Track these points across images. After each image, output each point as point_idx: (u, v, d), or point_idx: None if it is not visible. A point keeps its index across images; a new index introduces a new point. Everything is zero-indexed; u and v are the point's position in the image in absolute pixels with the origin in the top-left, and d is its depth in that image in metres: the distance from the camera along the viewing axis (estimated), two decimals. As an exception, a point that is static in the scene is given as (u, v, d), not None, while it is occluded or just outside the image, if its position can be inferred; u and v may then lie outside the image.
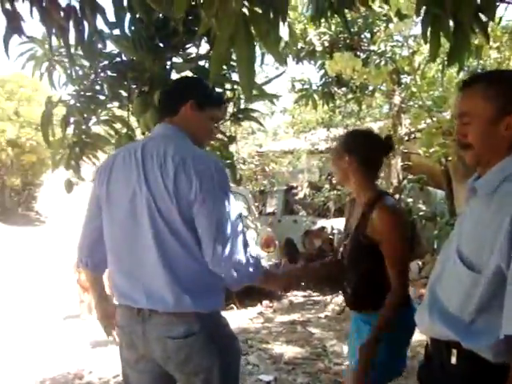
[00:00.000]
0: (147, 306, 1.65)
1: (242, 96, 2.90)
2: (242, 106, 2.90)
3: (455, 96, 1.57)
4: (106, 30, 2.47)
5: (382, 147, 2.04)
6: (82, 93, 2.77)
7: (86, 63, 2.94)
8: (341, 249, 2.11)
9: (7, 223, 17.61)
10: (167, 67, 2.41)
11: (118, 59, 2.67)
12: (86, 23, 1.85)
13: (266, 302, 6.50)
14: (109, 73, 2.71)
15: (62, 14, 1.69)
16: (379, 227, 1.86)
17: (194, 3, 1.94)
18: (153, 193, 1.63)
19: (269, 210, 9.44)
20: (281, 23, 1.59)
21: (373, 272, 1.92)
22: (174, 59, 2.51)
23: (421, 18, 1.98)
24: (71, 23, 1.79)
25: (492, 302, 1.26)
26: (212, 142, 2.90)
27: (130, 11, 2.13)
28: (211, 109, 1.80)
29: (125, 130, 2.79)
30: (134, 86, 2.43)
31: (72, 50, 2.44)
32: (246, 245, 1.64)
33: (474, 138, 1.37)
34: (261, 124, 3.19)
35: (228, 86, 2.78)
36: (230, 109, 2.87)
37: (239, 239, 1.62)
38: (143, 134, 2.53)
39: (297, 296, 6.99)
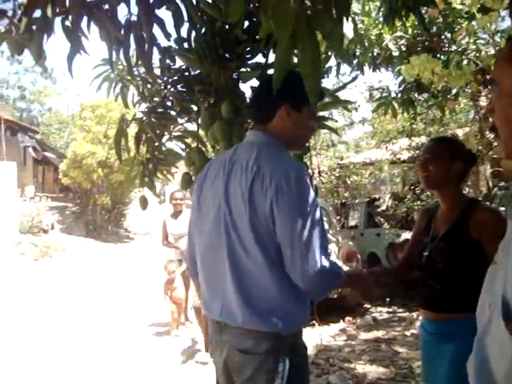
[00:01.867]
0: (221, 319, 1.64)
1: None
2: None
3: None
4: (174, 45, 2.51)
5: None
6: (154, 109, 2.80)
7: (158, 80, 2.98)
8: (425, 253, 2.04)
9: (99, 240, 18.55)
10: (234, 78, 2.36)
11: (187, 74, 2.69)
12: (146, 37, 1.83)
13: (348, 319, 6.27)
14: (178, 87, 2.72)
15: (121, 29, 1.69)
16: (482, 227, 1.87)
17: (253, 7, 1.87)
18: (230, 206, 1.59)
19: (351, 223, 9.19)
20: (344, 20, 1.48)
21: (471, 272, 1.83)
22: (242, 69, 2.46)
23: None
24: (131, 38, 1.78)
25: None
26: (287, 156, 2.82)
27: (190, 22, 2.11)
28: (307, 107, 1.67)
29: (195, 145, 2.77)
30: (202, 99, 2.40)
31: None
32: (326, 250, 1.55)
33: (496, 116, 0.94)
34: (335, 132, 3.06)
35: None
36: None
37: (321, 247, 1.51)
38: (213, 147, 2.49)
39: (381, 312, 6.69)
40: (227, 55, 2.31)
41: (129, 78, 3.02)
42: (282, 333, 1.57)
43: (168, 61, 2.68)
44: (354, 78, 5.87)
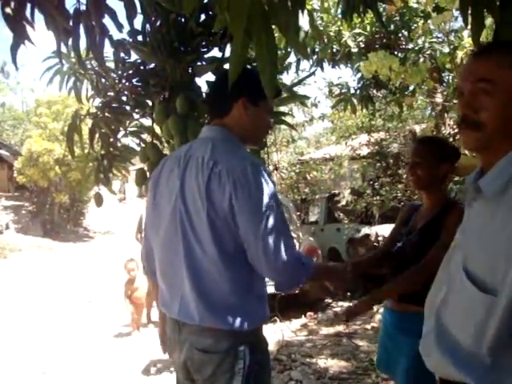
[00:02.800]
0: (179, 318, 1.61)
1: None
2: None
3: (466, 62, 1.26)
4: (127, 37, 2.44)
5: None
6: (108, 104, 2.72)
7: (112, 74, 2.90)
8: (398, 244, 2.09)
9: (57, 239, 18.08)
10: (190, 72, 2.32)
11: (142, 68, 2.62)
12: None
13: (309, 314, 6.31)
14: (133, 82, 2.65)
15: (69, 18, 1.62)
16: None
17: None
18: (186, 203, 1.56)
19: (311, 218, 9.25)
20: (300, 13, 1.47)
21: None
22: (198, 63, 2.42)
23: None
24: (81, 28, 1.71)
25: None
26: (242, 150, 2.79)
27: (143, 14, 2.05)
28: (265, 101, 1.63)
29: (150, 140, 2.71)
30: (157, 94, 2.34)
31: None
32: (292, 241, 1.54)
33: (491, 114, 1.08)
34: (293, 128, 3.05)
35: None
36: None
37: (286, 237, 1.50)
38: (167, 142, 2.44)
39: (342, 307, 6.75)
40: (182, 48, 2.26)
41: (81, 71, 2.93)
42: (241, 330, 1.54)
43: (122, 54, 2.62)
44: (312, 73, 5.90)
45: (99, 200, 2.97)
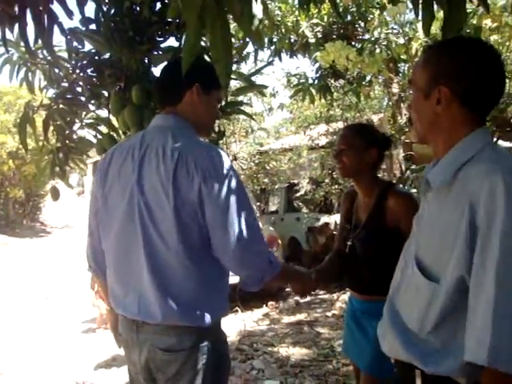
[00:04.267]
0: (139, 318, 1.54)
1: (229, 89, 2.78)
2: (229, 100, 2.78)
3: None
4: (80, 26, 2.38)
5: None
6: (62, 95, 2.65)
7: (66, 64, 2.83)
8: (348, 242, 2.08)
9: (12, 235, 17.55)
10: (145, 61, 2.28)
11: (96, 58, 2.56)
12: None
13: (271, 303, 6.36)
14: (88, 72, 2.59)
15: (13, 3, 1.55)
16: (397, 212, 1.91)
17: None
18: (146, 195, 1.49)
19: (271, 208, 9.30)
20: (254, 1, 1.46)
21: (392, 258, 1.87)
22: (154, 53, 2.38)
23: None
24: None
25: (453, 318, 1.06)
26: (200, 139, 2.77)
27: (95, 1, 2.00)
28: (216, 90, 1.64)
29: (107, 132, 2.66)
30: (112, 84, 2.29)
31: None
32: (261, 234, 1.54)
33: (412, 110, 1.22)
34: (251, 117, 3.05)
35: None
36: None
37: (256, 230, 1.49)
38: (124, 133, 2.40)
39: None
40: (137, 38, 2.21)
41: (33, 60, 2.84)
42: (205, 325, 1.52)
43: (75, 43, 2.55)
44: (270, 63, 5.91)
45: (55, 194, 2.90)
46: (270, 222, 7.90)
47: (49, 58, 2.89)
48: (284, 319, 5.79)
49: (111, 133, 2.45)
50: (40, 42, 2.05)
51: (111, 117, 2.53)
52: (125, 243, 1.56)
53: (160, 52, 2.31)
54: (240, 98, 2.53)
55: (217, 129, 3.03)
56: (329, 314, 5.81)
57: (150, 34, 2.16)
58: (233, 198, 1.44)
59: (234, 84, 3.27)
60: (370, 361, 1.96)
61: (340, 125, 9.02)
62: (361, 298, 2.08)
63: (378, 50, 5.20)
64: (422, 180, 1.25)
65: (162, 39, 2.28)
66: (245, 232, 1.44)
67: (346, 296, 6.07)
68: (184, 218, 1.45)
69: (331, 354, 4.36)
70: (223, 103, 2.68)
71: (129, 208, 1.52)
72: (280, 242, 6.72)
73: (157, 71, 2.74)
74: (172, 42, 2.41)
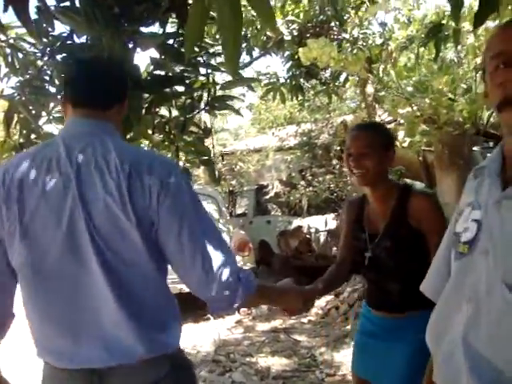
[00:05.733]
0: (109, 363, 1.25)
1: (217, 82, 2.53)
2: (216, 94, 2.52)
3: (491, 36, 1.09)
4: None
5: None
6: (28, 84, 2.33)
7: (31, 49, 2.51)
8: (367, 254, 1.84)
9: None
10: (130, 45, 2.00)
11: (69, 42, 2.26)
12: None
13: (243, 309, 6.10)
14: (58, 58, 2.28)
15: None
16: (420, 214, 1.73)
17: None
18: (95, 216, 1.21)
19: (238, 211, 9.05)
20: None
21: (422, 267, 1.65)
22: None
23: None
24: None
25: None
26: (185, 137, 2.50)
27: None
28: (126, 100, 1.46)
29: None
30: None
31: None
32: (232, 255, 1.32)
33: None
34: (239, 113, 2.80)
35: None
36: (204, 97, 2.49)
37: (226, 250, 1.29)
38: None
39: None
40: (123, 17, 1.93)
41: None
42: (176, 349, 1.35)
43: (45, 25, 2.24)
44: (262, 55, 5.68)
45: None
46: (239, 225, 7.64)
47: (11, 41, 2.57)
48: (258, 326, 5.55)
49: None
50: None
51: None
52: (68, 281, 1.25)
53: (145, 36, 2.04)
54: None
55: (203, 125, 2.78)
56: (304, 320, 5.61)
57: (137, 13, 1.88)
58: (195, 213, 1.27)
59: (223, 78, 3.01)
60: (401, 380, 1.75)
61: (308, 126, 8.89)
62: (387, 316, 1.86)
63: (355, 51, 5.08)
64: (491, 182, 1.02)
65: (150, 21, 2.01)
66: (209, 246, 1.24)
67: (321, 301, 5.90)
68: (146, 236, 1.23)
69: (313, 363, 4.15)
70: (210, 98, 2.44)
71: (70, 236, 1.22)
72: (251, 246, 6.49)
73: (140, 58, 2.46)
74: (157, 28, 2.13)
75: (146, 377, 1.27)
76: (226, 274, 1.24)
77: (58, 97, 2.36)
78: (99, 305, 1.24)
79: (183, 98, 2.51)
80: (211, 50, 2.52)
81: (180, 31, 2.22)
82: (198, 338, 5.09)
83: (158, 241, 1.24)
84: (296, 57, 6.15)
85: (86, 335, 1.25)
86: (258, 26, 5.83)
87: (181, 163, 2.43)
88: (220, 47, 2.95)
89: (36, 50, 2.41)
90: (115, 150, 1.24)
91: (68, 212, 1.21)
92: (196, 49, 2.38)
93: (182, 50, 2.21)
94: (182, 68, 2.37)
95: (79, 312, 1.25)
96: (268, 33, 5.85)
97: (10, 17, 2.75)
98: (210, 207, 6.57)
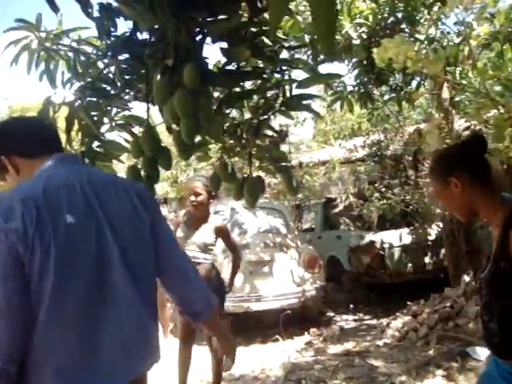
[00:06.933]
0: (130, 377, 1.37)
1: (294, 78, 2.27)
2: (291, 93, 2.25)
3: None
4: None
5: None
6: (90, 86, 2.16)
7: (94, 51, 2.36)
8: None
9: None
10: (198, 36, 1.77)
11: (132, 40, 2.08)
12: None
13: (313, 330, 5.76)
14: (119, 58, 2.10)
15: None
16: None
17: None
18: (122, 239, 1.36)
19: (305, 226, 8.71)
20: None
21: None
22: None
23: None
24: None
25: None
26: (258, 142, 2.25)
27: None
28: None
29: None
30: (154, 65, 1.78)
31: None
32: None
33: None
34: (316, 113, 2.53)
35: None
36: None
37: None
38: (168, 129, 1.89)
39: (347, 320, 6.25)
40: (189, 5, 1.71)
41: (56, 47, 2.37)
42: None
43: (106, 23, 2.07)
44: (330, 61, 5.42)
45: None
46: (306, 240, 7.30)
47: (73, 43, 2.42)
48: (330, 349, 5.18)
49: (151, 130, 1.93)
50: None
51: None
52: (96, 301, 1.30)
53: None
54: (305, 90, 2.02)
55: (278, 128, 2.52)
56: (380, 343, 5.18)
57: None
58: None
59: (298, 75, 2.75)
60: None
61: (377, 136, 8.47)
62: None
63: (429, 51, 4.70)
64: None
65: (218, 9, 1.77)
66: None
67: (397, 322, 5.46)
68: (151, 253, 1.45)
69: (394, 393, 3.75)
70: (287, 96, 2.18)
71: (99, 254, 1.31)
72: (321, 262, 6.14)
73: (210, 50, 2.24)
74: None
75: None
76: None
77: (122, 98, 2.19)
78: (120, 319, 1.33)
79: (255, 98, 2.28)
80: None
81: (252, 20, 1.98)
82: (266, 360, 4.80)
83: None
84: (365, 62, 5.83)
85: (107, 355, 1.30)
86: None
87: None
88: (294, 42, 2.71)
89: (98, 52, 2.25)
90: (113, 176, 1.61)
91: (94, 239, 1.30)
92: (268, 41, 2.14)
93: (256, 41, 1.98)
94: (253, 65, 2.14)
95: (102, 332, 1.29)
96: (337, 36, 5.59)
97: (70, 21, 2.62)
98: (276, 221, 6.30)
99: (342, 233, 7.24)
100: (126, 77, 1.98)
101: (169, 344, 5.24)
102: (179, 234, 3.75)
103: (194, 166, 11.14)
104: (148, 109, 1.95)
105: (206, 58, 1.73)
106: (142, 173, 1.95)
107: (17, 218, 1.19)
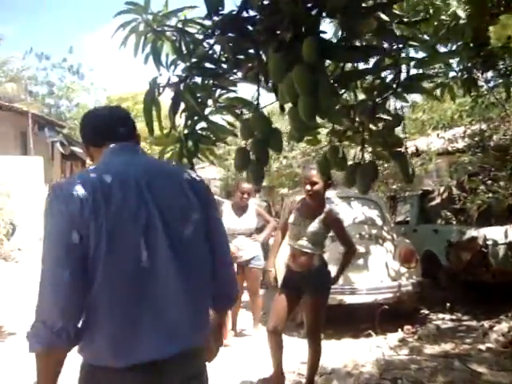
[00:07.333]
0: (170, 352, 1.45)
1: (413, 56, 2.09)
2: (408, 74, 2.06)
3: None
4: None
5: None
6: (196, 66, 2.11)
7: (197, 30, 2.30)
8: None
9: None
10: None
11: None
12: None
13: (407, 327, 5.48)
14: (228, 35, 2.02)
15: None
16: None
17: None
18: (172, 229, 1.49)
19: (398, 218, 8.35)
20: None
21: None
22: None
23: None
24: None
25: None
26: (371, 126, 2.08)
27: None
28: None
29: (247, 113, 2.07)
30: (269, 40, 1.67)
31: None
32: None
33: None
34: (434, 97, 2.33)
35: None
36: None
37: None
38: (282, 108, 1.78)
39: (444, 320, 5.90)
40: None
41: (162, 28, 2.34)
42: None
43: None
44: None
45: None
46: (400, 233, 6.97)
47: (179, 24, 2.38)
48: (426, 349, 4.90)
49: (261, 111, 1.84)
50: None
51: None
52: (140, 275, 1.44)
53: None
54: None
55: (393, 110, 2.33)
56: (482, 347, 4.82)
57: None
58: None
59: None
60: None
61: (479, 126, 7.92)
62: None
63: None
64: None
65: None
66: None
67: (502, 326, 5.07)
68: (203, 234, 1.60)
69: (503, 404, 3.45)
70: (402, 77, 2.00)
71: (147, 239, 1.44)
72: (418, 257, 5.84)
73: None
74: None
75: (196, 368, 1.55)
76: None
77: (230, 77, 2.11)
78: (167, 294, 1.45)
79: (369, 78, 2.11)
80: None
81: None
82: (358, 355, 4.63)
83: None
84: (471, 45, 5.40)
85: (153, 326, 1.43)
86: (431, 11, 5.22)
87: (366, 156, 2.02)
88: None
89: (205, 32, 2.19)
90: (162, 166, 1.76)
91: (143, 219, 1.44)
92: (385, 17, 1.96)
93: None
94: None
95: (146, 303, 1.43)
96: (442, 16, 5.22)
97: (175, 2, 2.58)
98: (372, 213, 6.05)
99: (440, 227, 6.84)
100: (236, 56, 1.90)
101: (259, 332, 5.23)
102: (290, 220, 3.68)
103: (284, 154, 11.02)
104: (258, 88, 1.85)
105: (324, 32, 1.59)
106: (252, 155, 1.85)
107: (76, 202, 1.38)
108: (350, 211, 5.99)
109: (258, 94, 1.85)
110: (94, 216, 1.38)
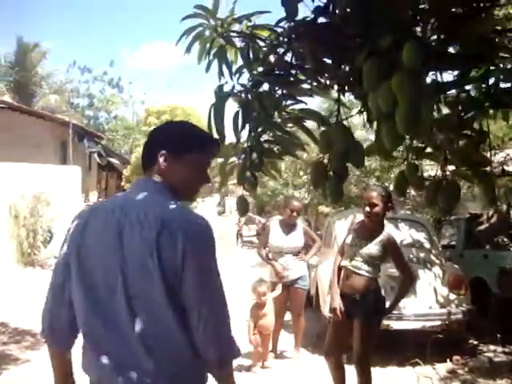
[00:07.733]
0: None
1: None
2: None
3: None
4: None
5: None
6: (269, 73, 1.99)
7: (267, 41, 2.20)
8: None
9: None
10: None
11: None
12: None
13: (456, 358, 5.18)
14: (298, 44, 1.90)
15: None
16: None
17: None
18: (128, 268, 1.41)
19: (443, 241, 8.03)
20: None
21: None
22: None
23: None
24: None
25: None
26: (461, 143, 1.92)
27: None
28: (192, 154, 1.56)
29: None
30: (358, 48, 1.54)
31: None
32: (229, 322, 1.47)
33: None
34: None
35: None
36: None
37: (228, 318, 1.47)
38: (369, 120, 1.64)
39: (496, 352, 5.56)
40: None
41: (227, 34, 2.24)
42: None
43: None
44: None
45: (244, 207, 2.24)
46: (446, 257, 6.68)
47: (248, 30, 2.28)
48: (479, 382, 4.61)
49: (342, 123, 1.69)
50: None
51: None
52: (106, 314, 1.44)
53: None
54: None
55: (477, 126, 2.16)
56: (542, 385, 4.51)
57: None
58: (213, 280, 1.44)
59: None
60: None
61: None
62: None
63: None
64: None
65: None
66: (226, 324, 1.45)
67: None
68: (172, 290, 1.39)
69: None
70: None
71: (107, 278, 1.43)
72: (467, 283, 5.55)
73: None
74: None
75: None
76: (229, 342, 1.47)
77: (302, 85, 1.99)
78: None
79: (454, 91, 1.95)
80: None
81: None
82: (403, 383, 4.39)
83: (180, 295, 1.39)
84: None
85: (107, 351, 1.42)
86: None
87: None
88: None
89: (279, 39, 2.07)
90: (154, 207, 1.43)
91: (110, 259, 1.42)
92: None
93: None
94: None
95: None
96: None
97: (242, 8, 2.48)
98: (419, 235, 5.81)
99: (491, 252, 6.53)
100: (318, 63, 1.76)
101: (300, 355, 5.03)
102: (348, 241, 3.52)
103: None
104: (339, 98, 1.71)
105: (425, 36, 1.45)
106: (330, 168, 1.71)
107: (70, 232, 1.52)
108: (398, 233, 5.76)
109: (339, 105, 1.71)
110: (75, 251, 1.49)
